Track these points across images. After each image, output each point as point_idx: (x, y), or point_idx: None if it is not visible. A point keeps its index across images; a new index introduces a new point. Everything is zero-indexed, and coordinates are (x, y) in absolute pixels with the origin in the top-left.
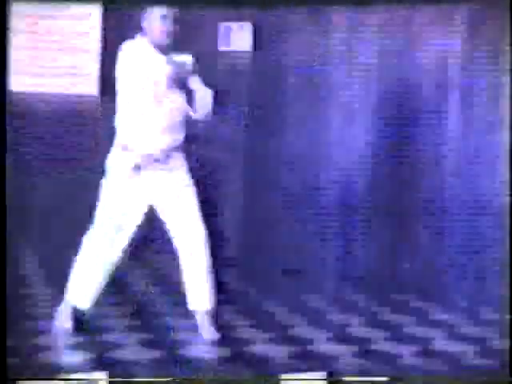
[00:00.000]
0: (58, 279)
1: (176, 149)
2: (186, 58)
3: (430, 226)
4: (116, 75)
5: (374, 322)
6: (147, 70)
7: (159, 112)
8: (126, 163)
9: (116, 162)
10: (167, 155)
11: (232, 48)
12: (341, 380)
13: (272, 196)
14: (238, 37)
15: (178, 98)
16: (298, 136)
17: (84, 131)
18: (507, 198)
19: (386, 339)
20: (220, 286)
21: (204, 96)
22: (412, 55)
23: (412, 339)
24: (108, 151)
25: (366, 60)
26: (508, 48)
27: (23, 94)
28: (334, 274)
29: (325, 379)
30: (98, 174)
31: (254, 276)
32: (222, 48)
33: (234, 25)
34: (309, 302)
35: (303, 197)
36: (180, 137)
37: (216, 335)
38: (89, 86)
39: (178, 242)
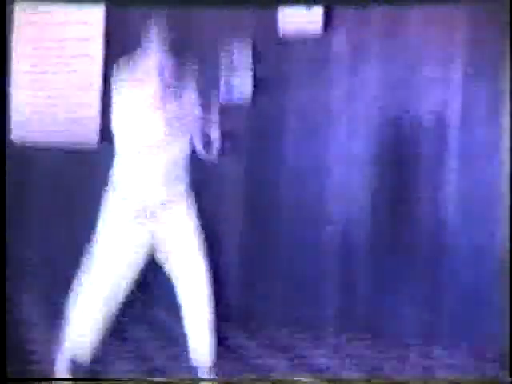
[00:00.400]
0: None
1: (177, 198)
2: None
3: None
4: (112, 124)
5: None
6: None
7: (156, 162)
8: (122, 212)
9: (113, 209)
10: (165, 206)
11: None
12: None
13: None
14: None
15: (182, 144)
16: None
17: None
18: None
19: None
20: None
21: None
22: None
23: None
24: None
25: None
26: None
27: (24, 144)
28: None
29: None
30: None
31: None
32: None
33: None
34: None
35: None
36: (181, 186)
37: None
38: (89, 136)
39: (179, 291)
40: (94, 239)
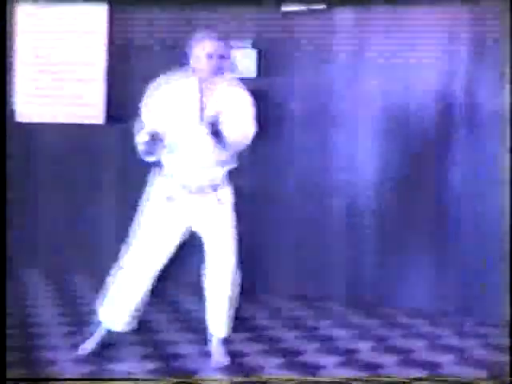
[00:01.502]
0: None
1: (217, 183)
2: None
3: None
4: (162, 106)
5: None
6: (191, 107)
7: (197, 148)
8: (162, 191)
9: (155, 187)
10: (204, 189)
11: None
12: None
13: None
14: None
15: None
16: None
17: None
18: None
19: None
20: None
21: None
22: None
23: None
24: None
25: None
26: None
27: (29, 124)
28: None
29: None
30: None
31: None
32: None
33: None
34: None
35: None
36: (220, 173)
37: (227, 361)
38: (95, 115)
39: (207, 267)
40: (138, 217)
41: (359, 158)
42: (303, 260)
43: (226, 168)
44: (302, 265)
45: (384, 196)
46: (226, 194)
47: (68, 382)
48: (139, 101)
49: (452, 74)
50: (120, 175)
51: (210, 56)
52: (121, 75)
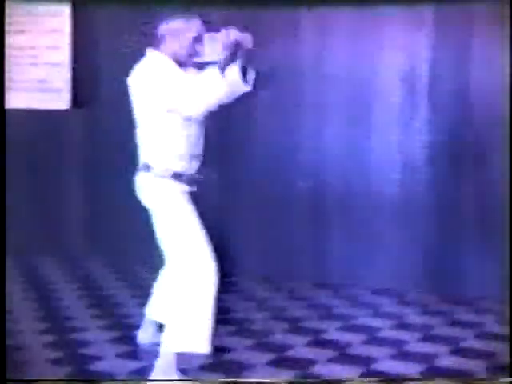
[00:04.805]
0: None
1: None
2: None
3: None
4: (139, 100)
5: None
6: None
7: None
8: (177, 189)
9: (166, 189)
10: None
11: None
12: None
13: None
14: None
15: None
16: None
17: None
18: None
19: None
20: None
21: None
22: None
23: None
24: None
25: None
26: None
27: None
28: None
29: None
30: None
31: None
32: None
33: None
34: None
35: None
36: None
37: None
38: (60, 101)
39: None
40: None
41: (327, 141)
42: (270, 241)
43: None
44: (269, 246)
45: (351, 178)
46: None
47: (68, 382)
48: (105, 86)
49: (416, 58)
50: (86, 161)
51: (196, 39)
52: (86, 60)
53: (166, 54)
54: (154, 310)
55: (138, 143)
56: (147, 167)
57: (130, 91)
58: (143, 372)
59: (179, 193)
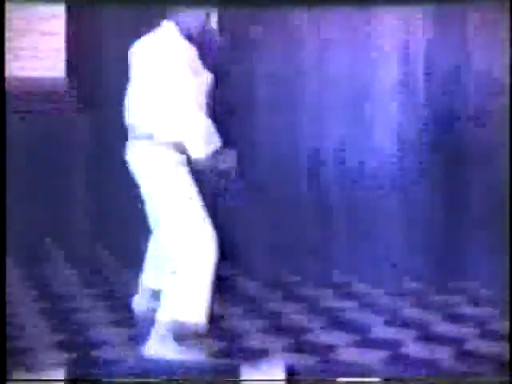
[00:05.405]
0: None
1: None
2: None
3: None
4: (142, 70)
5: None
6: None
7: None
8: (177, 159)
9: (161, 159)
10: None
11: None
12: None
13: None
14: None
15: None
16: None
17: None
18: None
19: None
20: None
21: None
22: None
23: None
24: None
25: None
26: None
27: None
28: None
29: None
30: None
31: None
32: None
33: None
34: None
35: None
36: None
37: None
38: (56, 68)
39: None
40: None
41: (328, 142)
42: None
43: None
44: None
45: (354, 180)
46: None
47: (68, 382)
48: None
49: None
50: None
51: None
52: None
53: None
54: (148, 277)
55: (138, 114)
56: (149, 136)
57: (133, 60)
58: (138, 339)
59: (179, 163)
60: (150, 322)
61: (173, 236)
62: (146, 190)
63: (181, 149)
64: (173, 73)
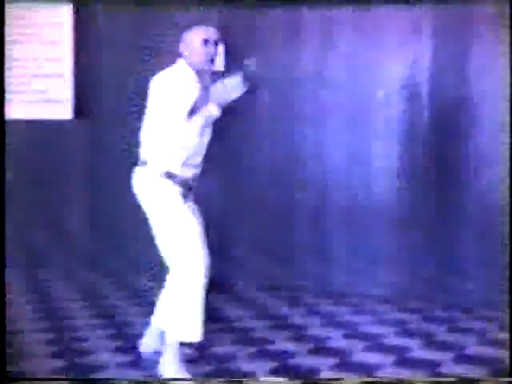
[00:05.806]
0: None
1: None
2: (236, 81)
3: None
4: (153, 100)
5: None
6: (189, 97)
7: (197, 141)
8: (173, 190)
9: (163, 189)
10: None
11: None
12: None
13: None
14: None
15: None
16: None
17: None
18: None
19: None
20: None
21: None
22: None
23: None
24: None
25: None
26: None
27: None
28: None
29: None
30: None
31: None
32: None
33: None
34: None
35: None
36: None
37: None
38: (63, 111)
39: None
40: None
41: (328, 150)
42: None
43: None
44: (273, 255)
45: (353, 186)
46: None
47: (68, 381)
48: (107, 96)
49: (417, 65)
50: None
51: (205, 42)
52: (88, 70)
53: (189, 64)
54: (159, 318)
55: (141, 139)
56: (144, 163)
57: (150, 92)
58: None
59: (172, 192)
60: (157, 363)
61: (175, 271)
62: (150, 222)
63: (172, 178)
64: (175, 99)
